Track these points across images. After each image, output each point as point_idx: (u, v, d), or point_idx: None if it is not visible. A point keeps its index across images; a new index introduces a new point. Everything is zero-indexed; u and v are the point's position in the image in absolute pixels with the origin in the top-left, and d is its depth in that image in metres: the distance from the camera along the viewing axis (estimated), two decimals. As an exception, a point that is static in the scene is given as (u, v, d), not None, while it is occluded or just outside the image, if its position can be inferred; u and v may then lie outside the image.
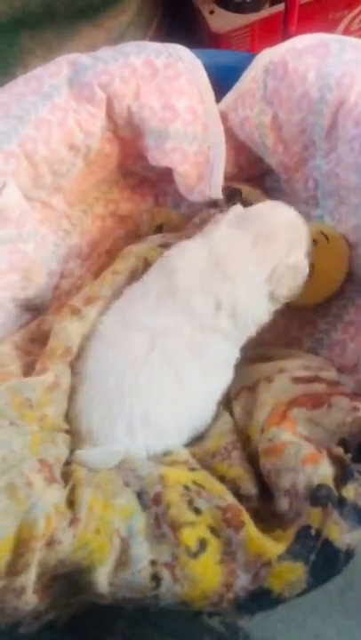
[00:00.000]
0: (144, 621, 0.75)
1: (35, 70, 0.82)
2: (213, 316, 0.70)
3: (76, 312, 0.77)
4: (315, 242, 0.82)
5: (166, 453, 0.68)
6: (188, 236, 0.78)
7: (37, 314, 0.88)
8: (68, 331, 0.75)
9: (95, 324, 0.76)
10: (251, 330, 0.73)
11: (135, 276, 0.80)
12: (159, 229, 0.97)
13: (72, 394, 0.72)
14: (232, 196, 0.89)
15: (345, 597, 0.76)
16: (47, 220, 0.92)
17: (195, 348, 0.70)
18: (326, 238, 0.83)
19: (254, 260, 0.71)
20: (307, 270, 0.75)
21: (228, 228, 0.73)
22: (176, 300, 0.70)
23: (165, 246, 0.81)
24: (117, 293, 0.78)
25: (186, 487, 0.61)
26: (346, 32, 1.06)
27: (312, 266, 0.77)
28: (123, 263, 0.82)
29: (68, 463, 0.65)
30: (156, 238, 0.88)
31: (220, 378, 0.74)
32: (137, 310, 0.72)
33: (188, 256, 0.73)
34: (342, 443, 0.63)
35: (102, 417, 0.68)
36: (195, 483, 0.62)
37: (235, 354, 0.74)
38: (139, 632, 0.74)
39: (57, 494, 0.58)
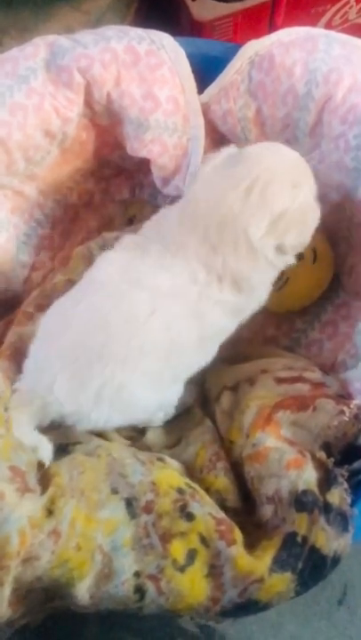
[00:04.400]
0: (116, 624, 0.73)
1: (10, 51, 0.78)
2: (218, 288, 0.65)
3: (30, 318, 0.76)
4: (301, 255, 0.81)
5: (158, 459, 0.65)
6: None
7: (7, 309, 0.84)
8: (20, 334, 0.74)
9: None
10: (259, 298, 0.69)
11: None
12: (130, 222, 0.94)
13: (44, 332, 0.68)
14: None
15: (320, 598, 0.76)
16: (18, 209, 0.88)
17: (196, 316, 0.66)
18: (314, 257, 0.82)
19: (248, 213, 0.63)
20: (318, 212, 0.70)
21: (215, 172, 0.67)
22: (181, 263, 0.65)
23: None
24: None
25: (179, 490, 0.58)
26: (328, 26, 1.05)
27: (289, 280, 0.78)
28: (75, 270, 0.80)
29: (43, 465, 0.62)
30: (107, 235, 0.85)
31: (207, 354, 0.70)
32: (138, 263, 0.67)
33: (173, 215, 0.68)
34: (325, 446, 0.63)
35: (75, 373, 0.64)
36: (189, 485, 0.60)
37: (231, 328, 0.70)
38: (112, 636, 0.73)
39: (31, 505, 0.55)
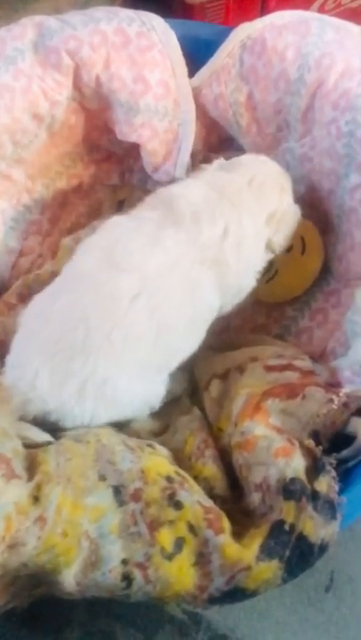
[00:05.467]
0: (104, 611, 0.73)
1: (-3, 32, 0.77)
2: (219, 244, 0.66)
3: (12, 308, 0.75)
4: (290, 246, 0.81)
5: (148, 445, 0.64)
6: None
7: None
8: (4, 325, 0.73)
9: None
10: (247, 281, 0.71)
11: None
12: (120, 205, 0.93)
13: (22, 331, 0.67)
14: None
15: (307, 585, 0.76)
16: (6, 194, 0.87)
17: (188, 288, 0.65)
18: (303, 248, 0.82)
19: (254, 198, 0.70)
20: (298, 214, 0.76)
21: (218, 172, 0.72)
22: (180, 227, 0.66)
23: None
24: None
25: (168, 478, 0.58)
26: (320, 11, 1.03)
27: (278, 272, 0.80)
28: (61, 262, 0.78)
29: (29, 446, 0.61)
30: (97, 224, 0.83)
31: (195, 339, 0.69)
32: (128, 248, 0.65)
33: (189, 187, 0.70)
34: (314, 434, 0.63)
35: (56, 368, 0.63)
36: (178, 473, 0.59)
37: (215, 307, 0.70)
38: (99, 623, 0.73)
39: (17, 492, 0.54)
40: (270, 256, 0.74)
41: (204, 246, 0.66)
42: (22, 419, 0.64)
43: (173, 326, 0.66)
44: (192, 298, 0.66)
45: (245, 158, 0.76)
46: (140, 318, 0.63)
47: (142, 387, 0.67)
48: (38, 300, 0.68)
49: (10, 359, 0.67)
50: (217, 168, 0.74)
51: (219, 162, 0.75)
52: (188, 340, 0.69)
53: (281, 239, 0.72)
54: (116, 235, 0.67)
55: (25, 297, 0.76)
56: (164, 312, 0.64)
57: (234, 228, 0.67)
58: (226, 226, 0.66)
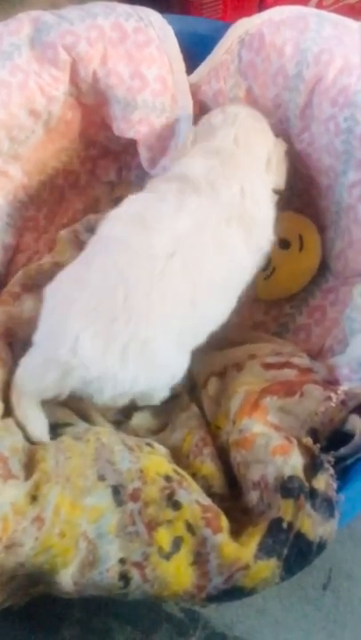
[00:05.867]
0: (102, 610, 0.73)
1: (-7, 27, 0.76)
2: (240, 202, 0.68)
3: (17, 297, 0.74)
4: (287, 243, 0.80)
5: (147, 444, 0.64)
6: None
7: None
8: (11, 314, 0.72)
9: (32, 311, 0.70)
10: (266, 234, 0.71)
11: None
12: (117, 203, 0.93)
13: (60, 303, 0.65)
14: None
15: (305, 583, 0.76)
16: (2, 190, 0.87)
17: (220, 246, 0.66)
18: (300, 245, 0.82)
19: (246, 154, 0.72)
20: (285, 145, 0.77)
21: (205, 144, 0.73)
22: (200, 193, 0.67)
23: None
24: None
25: (167, 477, 0.58)
26: (318, 6, 1.02)
27: (276, 269, 0.80)
28: (62, 253, 0.80)
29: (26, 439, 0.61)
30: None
31: (226, 306, 0.69)
32: (157, 213, 0.66)
33: (190, 163, 0.71)
34: (312, 432, 0.62)
35: (98, 331, 0.61)
36: (176, 472, 0.59)
37: (248, 268, 0.70)
38: (96, 621, 0.73)
39: (14, 492, 0.54)
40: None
41: (227, 206, 0.68)
42: (59, 395, 0.63)
43: (208, 286, 0.66)
44: (225, 256, 0.67)
45: (215, 120, 0.75)
46: (177, 278, 0.63)
47: (179, 353, 0.67)
48: (66, 273, 0.67)
49: (41, 333, 0.65)
50: (193, 140, 0.75)
51: (193, 131, 0.76)
52: (220, 305, 0.69)
53: (282, 178, 0.75)
54: (142, 203, 0.68)
55: (29, 287, 0.75)
56: (199, 271, 0.65)
57: (249, 187, 0.69)
58: (242, 186, 0.69)
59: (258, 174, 0.72)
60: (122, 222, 0.67)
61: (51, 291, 0.66)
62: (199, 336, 0.68)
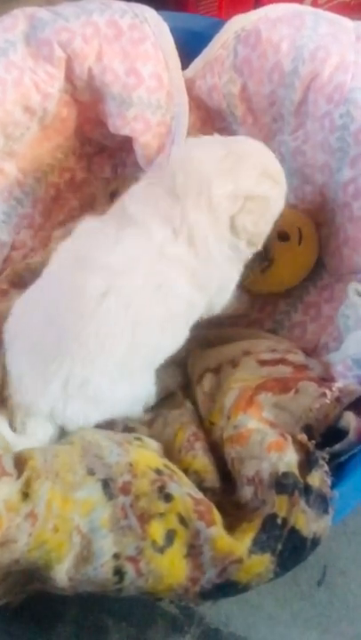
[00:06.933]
0: (97, 607, 0.73)
1: (-13, 23, 0.76)
2: (174, 241, 0.64)
3: (4, 294, 0.75)
4: (287, 236, 0.80)
5: (136, 438, 0.64)
6: None
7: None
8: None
9: None
10: (213, 268, 0.66)
11: None
12: (112, 197, 0.93)
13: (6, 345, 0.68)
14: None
15: (300, 579, 0.76)
16: (-3, 187, 0.87)
17: (156, 282, 0.64)
18: (299, 238, 0.82)
19: (217, 172, 0.65)
20: (279, 206, 0.71)
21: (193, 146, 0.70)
22: (136, 228, 0.65)
23: None
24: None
25: (157, 471, 0.58)
26: (313, 5, 1.03)
27: (275, 261, 0.78)
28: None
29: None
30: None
31: (175, 336, 0.68)
32: (92, 245, 0.65)
33: (134, 193, 0.69)
34: (307, 429, 0.63)
35: (36, 373, 0.64)
36: (167, 466, 0.59)
37: (200, 304, 0.68)
38: (91, 618, 0.73)
39: (7, 489, 0.54)
40: (240, 249, 0.68)
41: (161, 245, 0.64)
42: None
43: (149, 322, 0.65)
44: (162, 294, 0.65)
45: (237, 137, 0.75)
46: (113, 314, 0.63)
47: (128, 386, 0.67)
48: (18, 304, 0.69)
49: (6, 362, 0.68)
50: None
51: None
52: (167, 338, 0.68)
53: (249, 225, 0.66)
54: (84, 239, 0.68)
55: (17, 284, 0.76)
56: (136, 308, 0.63)
57: (180, 224, 0.64)
58: (173, 226, 0.64)
59: (206, 206, 0.65)
60: (63, 257, 0.67)
61: (9, 325, 0.68)
62: (150, 367, 0.68)
